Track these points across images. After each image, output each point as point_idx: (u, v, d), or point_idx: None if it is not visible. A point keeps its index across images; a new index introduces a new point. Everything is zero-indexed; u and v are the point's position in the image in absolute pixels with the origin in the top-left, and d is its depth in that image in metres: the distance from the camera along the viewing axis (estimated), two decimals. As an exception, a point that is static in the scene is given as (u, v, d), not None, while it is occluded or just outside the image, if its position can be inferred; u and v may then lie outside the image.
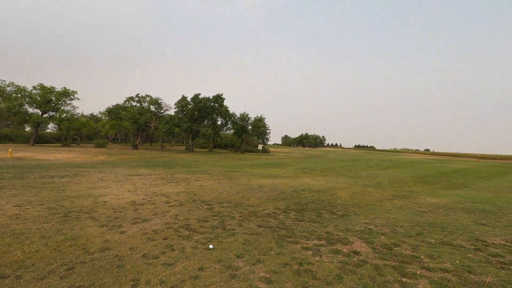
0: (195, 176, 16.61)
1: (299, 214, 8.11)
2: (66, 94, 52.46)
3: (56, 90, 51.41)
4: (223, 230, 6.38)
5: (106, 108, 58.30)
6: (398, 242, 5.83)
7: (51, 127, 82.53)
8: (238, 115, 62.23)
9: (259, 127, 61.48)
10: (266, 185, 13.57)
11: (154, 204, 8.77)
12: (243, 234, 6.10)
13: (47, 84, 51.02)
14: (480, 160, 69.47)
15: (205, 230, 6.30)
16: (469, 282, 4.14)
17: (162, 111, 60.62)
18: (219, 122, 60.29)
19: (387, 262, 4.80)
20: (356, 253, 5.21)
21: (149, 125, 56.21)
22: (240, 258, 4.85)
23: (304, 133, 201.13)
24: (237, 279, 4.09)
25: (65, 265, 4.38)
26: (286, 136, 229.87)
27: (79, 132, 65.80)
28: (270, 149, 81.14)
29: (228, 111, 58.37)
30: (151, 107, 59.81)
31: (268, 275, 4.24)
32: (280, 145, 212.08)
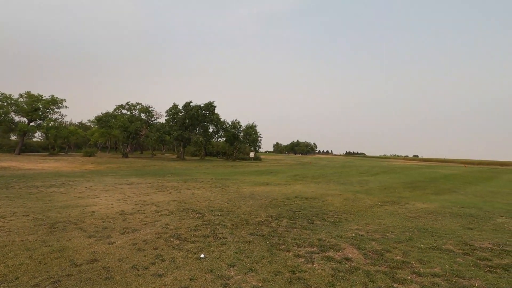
0: (186, 184, 16.44)
1: (291, 221, 8.10)
2: (54, 102, 51.49)
3: (43, 98, 50.44)
4: (214, 239, 6.31)
5: (96, 116, 57.46)
6: (389, 248, 5.88)
7: (38, 136, 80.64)
8: (230, 123, 62.22)
9: (251, 135, 61.51)
10: (258, 193, 13.53)
11: (144, 213, 8.62)
12: (235, 243, 6.04)
13: (34, 92, 50.06)
14: (466, 165, 71.14)
15: (196, 239, 6.22)
16: (458, 287, 4.19)
17: (152, 119, 60.12)
18: (210, 130, 60.07)
19: (379, 268, 4.83)
20: (348, 259, 5.22)
21: (140, 133, 55.57)
22: (232, 267, 4.79)
23: (295, 140, 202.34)
24: (229, 289, 4.04)
25: (51, 278, 4.24)
26: (277, 143, 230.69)
27: (67, 140, 64.42)
28: (262, 157, 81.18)
29: (219, 119, 58.29)
30: (142, 115, 59.26)
31: (260, 284, 4.20)
32: (272, 152, 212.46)
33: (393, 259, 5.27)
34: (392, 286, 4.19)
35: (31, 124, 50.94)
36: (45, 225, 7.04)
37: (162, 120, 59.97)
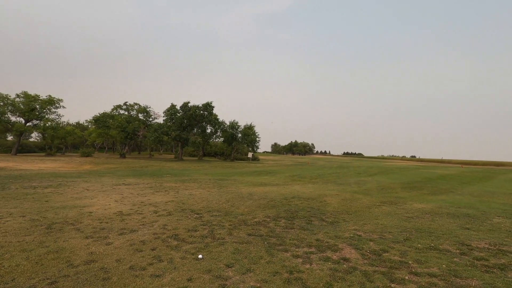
0: (184, 185, 16.41)
1: (289, 221, 8.11)
2: (51, 102, 51.18)
3: (40, 98, 50.14)
4: (212, 239, 6.30)
5: (93, 117, 57.20)
6: (386, 248, 5.90)
7: (34, 136, 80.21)
8: (228, 123, 62.18)
9: (249, 135, 61.45)
10: (256, 193, 13.53)
11: (142, 214, 8.59)
12: (233, 243, 6.03)
13: (31, 92, 49.77)
14: (463, 166, 71.55)
15: (194, 240, 6.20)
16: (455, 286, 4.21)
17: (150, 119, 59.98)
18: (208, 130, 59.94)
19: (376, 268, 4.84)
20: (345, 260, 5.23)
21: (137, 133, 55.41)
22: (230, 267, 4.79)
23: (293, 141, 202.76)
24: (227, 289, 4.03)
25: (48, 279, 4.22)
26: (275, 144, 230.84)
27: (65, 141, 64.08)
28: (260, 157, 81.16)
29: (217, 119, 58.19)
30: (140, 115, 59.12)
31: (258, 284, 4.20)
32: (270, 152, 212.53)
33: (390, 259, 5.29)
34: (390, 286, 4.21)
35: (28, 124, 50.61)
36: (42, 226, 7.00)
37: (160, 120, 59.90)
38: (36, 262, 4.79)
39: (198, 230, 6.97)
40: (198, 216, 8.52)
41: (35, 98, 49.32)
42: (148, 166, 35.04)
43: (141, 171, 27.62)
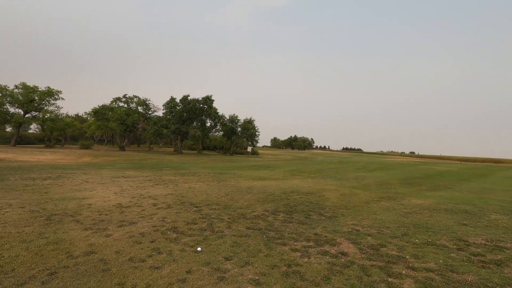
0: (183, 178, 16.43)
1: (287, 216, 8.14)
2: (50, 93, 50.88)
3: (39, 89, 49.83)
4: (211, 232, 6.33)
5: (92, 109, 56.90)
6: (384, 243, 5.94)
7: (33, 128, 79.96)
8: (228, 117, 62.03)
9: (249, 129, 61.38)
10: (255, 187, 13.57)
11: (141, 206, 8.61)
12: (231, 236, 6.07)
13: (30, 83, 49.43)
14: (462, 162, 71.74)
15: (193, 233, 6.23)
16: (452, 281, 4.25)
17: (150, 112, 59.71)
18: (208, 124, 59.82)
19: (374, 263, 4.88)
20: (343, 254, 5.27)
21: (137, 126, 55.22)
22: (229, 260, 4.82)
23: (293, 136, 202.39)
24: (226, 282, 4.07)
25: (47, 270, 4.24)
26: (275, 138, 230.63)
27: (64, 133, 63.88)
28: (260, 151, 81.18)
29: (217, 113, 57.99)
30: (139, 108, 58.79)
31: (256, 277, 4.23)
32: (269, 147, 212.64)
33: (388, 254, 5.33)
34: (387, 280, 4.24)
35: (26, 115, 50.42)
36: (41, 217, 7.01)
37: (160, 113, 59.68)
38: (36, 253, 4.81)
39: (197, 223, 7.00)
40: (197, 209, 8.55)
41: (34, 89, 49.02)
42: (147, 159, 35.04)
43: (140, 164, 27.62)
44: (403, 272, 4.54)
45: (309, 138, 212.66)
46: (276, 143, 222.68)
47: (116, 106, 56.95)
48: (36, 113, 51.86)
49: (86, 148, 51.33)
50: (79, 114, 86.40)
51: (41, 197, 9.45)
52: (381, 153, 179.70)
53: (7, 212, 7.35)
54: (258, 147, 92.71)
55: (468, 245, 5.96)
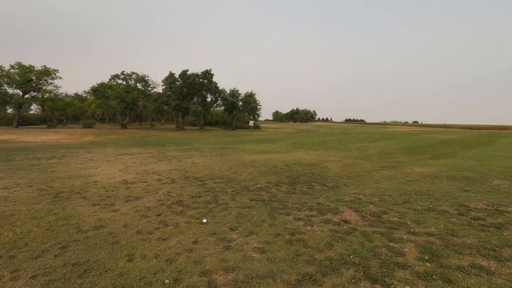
0: (186, 153, 16.55)
1: (290, 187, 8.25)
2: (47, 73, 50.08)
3: (36, 69, 48.98)
4: (216, 204, 6.46)
5: (91, 87, 56.30)
6: (386, 210, 6.04)
7: (34, 108, 79.78)
8: (228, 91, 61.16)
9: (250, 103, 60.76)
10: (258, 161, 13.66)
11: (146, 182, 8.75)
12: (236, 208, 6.19)
13: (25, 63, 48.50)
14: (466, 130, 71.27)
15: (198, 206, 6.37)
16: (452, 244, 4.36)
17: (149, 88, 58.98)
18: (208, 99, 59.18)
19: (376, 229, 4.99)
20: (346, 221, 5.38)
21: (137, 103, 54.86)
22: (234, 230, 4.95)
23: (295, 108, 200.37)
24: (231, 250, 4.20)
25: (59, 243, 4.39)
26: (277, 111, 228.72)
27: (65, 112, 63.76)
28: (261, 125, 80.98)
29: (217, 87, 57.11)
30: (138, 85, 58.02)
31: (261, 245, 4.36)
32: (271, 120, 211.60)
33: (389, 220, 5.43)
34: (388, 245, 4.36)
35: (26, 96, 50.05)
36: (49, 195, 7.17)
37: (159, 89, 58.95)
38: (47, 229, 4.96)
39: (202, 196, 7.13)
40: (201, 183, 8.68)
41: (30, 69, 48.20)
42: (150, 136, 35.15)
43: (143, 141, 27.76)
44: (404, 237, 4.65)
45: (311, 111, 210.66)
46: (278, 117, 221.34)
47: (115, 83, 56.22)
48: (35, 93, 51.42)
49: (88, 127, 51.45)
50: (79, 93, 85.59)
51: (47, 176, 9.60)
52: (384, 123, 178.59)
53: (15, 191, 7.51)
54: (260, 121, 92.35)
55: (469, 210, 6.05)
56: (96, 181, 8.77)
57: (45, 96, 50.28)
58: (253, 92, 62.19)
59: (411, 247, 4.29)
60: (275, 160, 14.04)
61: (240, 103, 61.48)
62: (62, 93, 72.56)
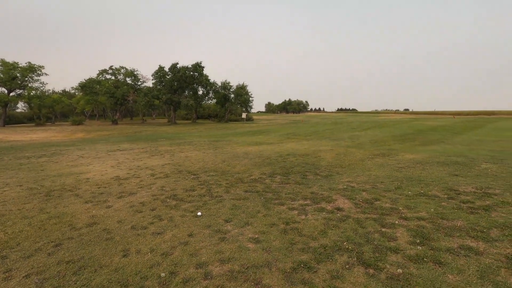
0: (179, 147, 16.44)
1: (284, 177, 8.30)
2: (32, 69, 48.73)
3: (20, 65, 47.55)
4: (210, 197, 6.46)
5: (79, 83, 55.00)
6: (378, 197, 6.14)
7: (21, 107, 77.72)
8: (220, 84, 60.60)
9: (242, 95, 60.40)
10: (252, 152, 13.67)
11: (139, 177, 8.68)
12: (230, 200, 6.21)
13: (8, 59, 47.00)
14: (455, 116, 72.45)
15: (192, 199, 6.36)
16: (442, 227, 4.47)
17: (139, 83, 57.95)
18: (200, 92, 58.59)
19: (368, 215, 5.07)
20: (339, 209, 5.45)
21: (127, 98, 53.91)
22: (229, 222, 4.97)
23: (287, 99, 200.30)
24: (227, 242, 4.22)
25: (52, 242, 4.35)
26: (269, 103, 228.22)
27: (53, 110, 62.41)
28: (254, 117, 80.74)
29: (208, 80, 56.50)
30: (127, 79, 56.93)
31: (256, 236, 4.40)
32: (264, 112, 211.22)
33: (382, 206, 5.53)
34: (381, 230, 4.44)
35: (11, 94, 48.70)
36: (40, 193, 7.06)
37: (149, 84, 58.00)
38: (39, 227, 4.90)
39: (196, 190, 7.12)
40: (195, 176, 8.65)
41: (14, 66, 46.79)
42: (141, 131, 34.76)
43: (135, 136, 27.44)
44: (396, 222, 4.75)
45: (304, 101, 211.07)
46: (270, 108, 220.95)
47: (103, 78, 55.04)
48: (20, 91, 50.06)
49: (78, 124, 50.58)
50: (66, 90, 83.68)
51: (37, 174, 9.44)
52: (376, 112, 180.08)
53: (5, 191, 7.37)
54: (252, 113, 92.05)
55: (459, 194, 6.19)
56: (88, 178, 8.66)
57: (32, 93, 49.06)
58: (244, 84, 61.81)
59: (403, 231, 4.38)
60: (268, 151, 14.07)
61: (232, 95, 61.07)
62: (49, 89, 70.88)
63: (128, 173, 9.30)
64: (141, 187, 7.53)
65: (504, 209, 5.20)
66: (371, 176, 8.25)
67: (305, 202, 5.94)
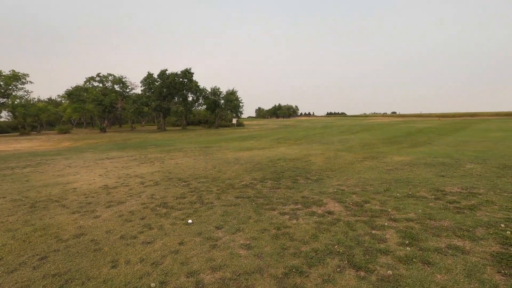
0: (169, 154, 16.27)
1: (275, 182, 8.31)
2: (16, 77, 47.54)
3: (3, 73, 46.36)
4: (201, 204, 6.41)
5: (66, 91, 53.93)
6: (368, 199, 6.22)
7: (4, 116, 75.50)
8: (209, 90, 60.50)
9: (232, 101, 60.37)
10: (242, 158, 13.66)
11: (128, 186, 8.54)
12: (221, 206, 6.17)
13: (-8, 67, 45.80)
14: (441, 119, 74.35)
15: (183, 206, 6.29)
16: (430, 228, 4.56)
17: (128, 90, 57.32)
18: (190, 98, 58.32)
19: (358, 218, 5.13)
20: (330, 213, 5.50)
21: (115, 106, 53.17)
22: (220, 229, 4.94)
23: (277, 104, 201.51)
24: (218, 249, 4.19)
25: (37, 255, 4.21)
26: (259, 108, 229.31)
27: (38, 118, 60.88)
28: (245, 122, 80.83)
29: (198, 86, 56.34)
30: (115, 86, 56.23)
31: (248, 242, 4.38)
32: (254, 117, 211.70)
33: (371, 209, 5.60)
34: (371, 232, 4.50)
35: (-6, 103, 47.34)
36: (25, 205, 6.84)
37: (138, 91, 57.43)
38: (23, 240, 4.74)
39: (187, 197, 7.05)
40: (185, 183, 8.57)
41: (-3, 74, 45.56)
42: (130, 138, 34.25)
43: (123, 144, 27.00)
44: (386, 224, 4.81)
45: (294, 106, 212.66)
46: (261, 113, 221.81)
47: (91, 86, 54.21)
48: (4, 99, 48.71)
49: (65, 133, 49.43)
50: (52, 98, 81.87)
51: (22, 185, 9.16)
52: (365, 116, 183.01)
53: (-13, 203, 7.11)
54: (243, 118, 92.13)
55: (445, 194, 6.34)
56: (75, 188, 8.46)
57: (16, 102, 47.78)
58: (234, 90, 61.89)
59: (392, 233, 4.45)
60: (259, 156, 14.09)
61: (222, 101, 61.00)
62: (34, 98, 69.27)
63: (116, 182, 9.13)
64: (130, 195, 7.41)
65: (488, 208, 5.35)
66: (361, 179, 8.36)
67: (296, 207, 5.96)
